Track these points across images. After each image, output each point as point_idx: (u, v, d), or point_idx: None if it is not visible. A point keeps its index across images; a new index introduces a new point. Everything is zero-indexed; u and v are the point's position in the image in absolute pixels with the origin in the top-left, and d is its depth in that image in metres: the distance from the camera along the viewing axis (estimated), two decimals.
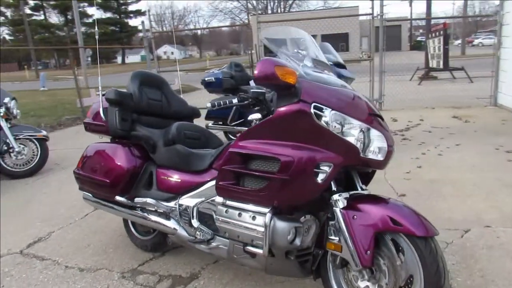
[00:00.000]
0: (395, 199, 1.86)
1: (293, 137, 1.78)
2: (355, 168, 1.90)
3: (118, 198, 2.51)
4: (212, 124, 5.50)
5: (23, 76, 30.53)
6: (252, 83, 5.60)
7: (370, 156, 1.78)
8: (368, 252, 1.69)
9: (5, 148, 4.65)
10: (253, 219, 1.88)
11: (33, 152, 4.87)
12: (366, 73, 8.08)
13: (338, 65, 4.77)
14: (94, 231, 3.15)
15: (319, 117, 1.72)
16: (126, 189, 2.49)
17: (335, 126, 1.71)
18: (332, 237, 1.81)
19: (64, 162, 5.33)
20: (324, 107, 1.72)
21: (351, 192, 1.84)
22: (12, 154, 4.69)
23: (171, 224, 2.32)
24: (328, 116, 1.71)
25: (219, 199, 2.06)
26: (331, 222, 1.82)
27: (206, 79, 5.64)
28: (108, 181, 2.50)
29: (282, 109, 1.79)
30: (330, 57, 4.77)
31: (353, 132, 1.74)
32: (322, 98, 1.75)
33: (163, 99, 2.82)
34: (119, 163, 2.49)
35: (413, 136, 5.68)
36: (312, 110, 1.72)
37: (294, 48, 2.13)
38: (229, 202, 2.02)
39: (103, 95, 2.67)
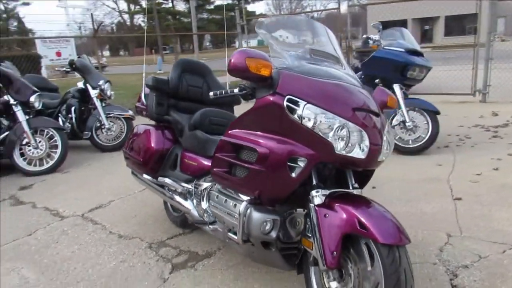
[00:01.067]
0: (379, 203, 1.73)
1: (271, 129, 1.78)
2: (348, 166, 1.82)
3: (145, 176, 2.76)
4: None
5: (150, 60, 33.88)
6: None
7: (350, 154, 1.68)
8: (335, 253, 1.62)
9: (98, 124, 5.35)
10: (234, 207, 1.93)
11: (121, 129, 5.50)
12: (498, 58, 7.11)
13: (414, 52, 4.40)
14: (145, 203, 3.50)
15: (293, 110, 1.68)
16: (155, 168, 2.72)
17: (308, 120, 1.66)
18: (308, 234, 1.77)
19: None
20: (299, 100, 1.68)
21: (333, 190, 1.77)
22: (103, 130, 5.37)
23: (187, 204, 2.48)
24: (301, 110, 1.66)
25: (217, 184, 2.15)
26: (308, 218, 1.78)
27: None
28: (141, 160, 2.76)
29: (259, 100, 1.79)
30: (405, 44, 4.43)
31: (331, 127, 1.66)
32: (299, 91, 1.70)
33: (204, 86, 2.97)
34: (150, 144, 2.72)
35: (507, 133, 4.98)
36: (285, 103, 1.68)
37: (293, 39, 2.08)
38: (222, 188, 2.10)
39: None
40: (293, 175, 1.71)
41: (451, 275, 2.17)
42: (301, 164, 1.70)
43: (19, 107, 4.54)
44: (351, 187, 1.82)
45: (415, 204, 3.14)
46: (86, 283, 2.35)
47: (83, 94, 5.46)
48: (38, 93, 4.69)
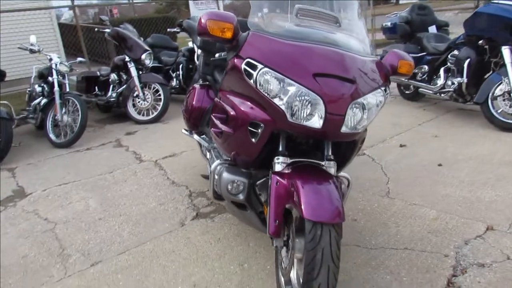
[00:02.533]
0: (335, 181, 1.61)
1: (240, 92, 1.79)
2: (309, 136, 1.72)
3: (182, 131, 3.00)
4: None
5: None
6: (431, 29, 4.84)
7: (305, 122, 1.59)
8: (277, 221, 1.61)
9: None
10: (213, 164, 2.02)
11: None
12: None
13: None
14: None
15: (250, 75, 1.64)
16: (195, 124, 2.93)
17: (263, 86, 1.61)
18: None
19: None
20: (258, 64, 1.63)
21: (297, 159, 1.71)
22: None
23: (215, 163, 2.65)
24: (256, 74, 1.62)
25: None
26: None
27: (383, 24, 5.22)
28: (187, 116, 3.00)
29: (228, 63, 1.79)
30: None
31: (284, 93, 1.59)
32: (261, 54, 1.65)
33: None
34: (192, 101, 2.92)
35: None
36: (243, 67, 1.66)
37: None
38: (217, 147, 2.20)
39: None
40: (253, 140, 1.71)
41: (458, 271, 1.89)
42: (259, 130, 1.69)
43: (132, 64, 5.24)
44: (325, 159, 1.73)
45: (476, 189, 2.71)
46: (125, 217, 2.76)
47: (192, 53, 5.96)
48: (149, 51, 5.31)
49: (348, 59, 1.67)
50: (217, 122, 1.99)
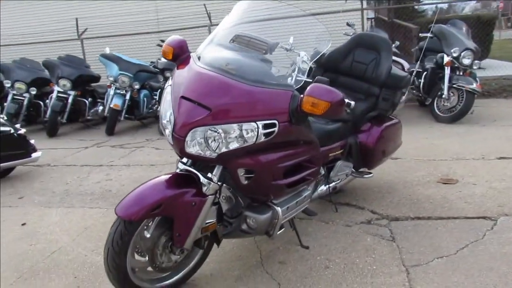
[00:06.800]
0: (183, 191, 1.78)
1: None
2: None
3: None
4: None
5: None
6: None
7: (168, 137, 1.81)
8: None
9: (439, 93, 5.23)
10: None
11: (459, 101, 5.11)
12: None
13: None
14: None
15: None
16: None
17: (163, 99, 1.91)
18: None
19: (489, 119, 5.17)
20: (171, 81, 1.93)
21: (188, 168, 1.88)
22: (442, 99, 5.23)
23: None
24: (165, 89, 1.93)
25: None
26: None
27: None
28: None
29: None
30: None
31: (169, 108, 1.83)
32: (175, 74, 1.93)
33: (373, 63, 2.83)
34: None
35: None
36: (167, 84, 1.96)
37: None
38: None
39: None
40: None
41: None
42: None
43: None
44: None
45: None
46: None
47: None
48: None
49: (222, 87, 1.73)
50: None
